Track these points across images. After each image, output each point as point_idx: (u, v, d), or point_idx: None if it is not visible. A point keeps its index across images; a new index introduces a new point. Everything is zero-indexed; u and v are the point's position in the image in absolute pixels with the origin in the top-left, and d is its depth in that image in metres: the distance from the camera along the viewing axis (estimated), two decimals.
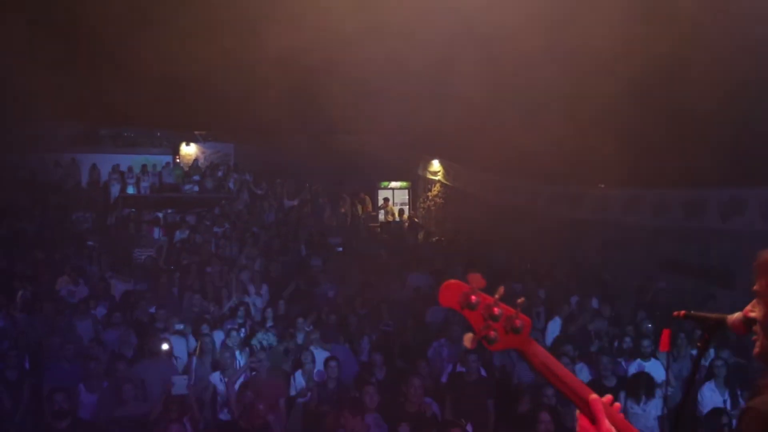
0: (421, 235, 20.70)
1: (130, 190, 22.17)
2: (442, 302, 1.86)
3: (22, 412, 8.08)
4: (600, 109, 14.91)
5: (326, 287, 13.86)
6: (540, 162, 16.97)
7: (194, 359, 8.99)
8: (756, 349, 1.84)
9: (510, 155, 17.47)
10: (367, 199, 23.21)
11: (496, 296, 1.85)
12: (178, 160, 25.91)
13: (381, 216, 23.10)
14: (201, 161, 25.83)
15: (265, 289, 13.84)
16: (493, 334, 1.83)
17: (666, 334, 2.32)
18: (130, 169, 23.08)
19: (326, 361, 8.66)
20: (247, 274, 14.32)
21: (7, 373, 8.32)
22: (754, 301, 1.90)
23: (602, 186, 16.51)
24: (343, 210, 21.71)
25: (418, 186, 23.86)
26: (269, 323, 11.38)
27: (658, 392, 8.13)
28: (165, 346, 9.03)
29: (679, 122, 13.52)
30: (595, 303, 12.39)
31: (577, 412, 1.90)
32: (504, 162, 18.30)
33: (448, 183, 22.09)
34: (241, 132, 25.63)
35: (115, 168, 22.85)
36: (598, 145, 14.86)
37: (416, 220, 22.73)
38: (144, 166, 23.44)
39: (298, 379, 9.15)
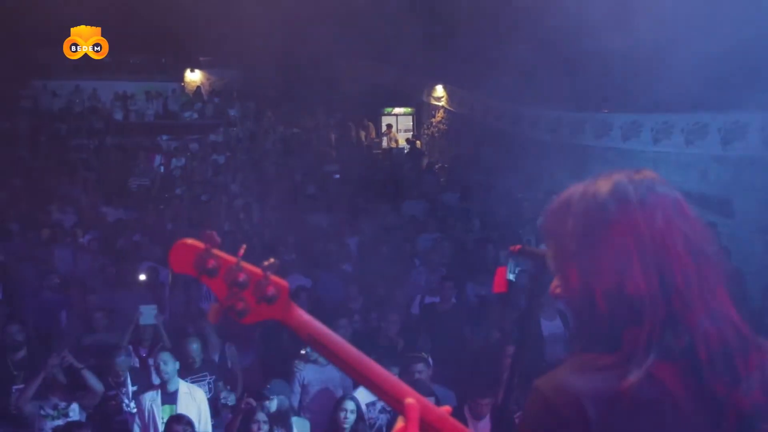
0: (424, 162, 20.48)
1: (132, 117, 22.03)
2: (174, 268, 1.50)
3: None
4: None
5: (319, 215, 13.73)
6: (545, 87, 16.54)
7: (167, 289, 8.92)
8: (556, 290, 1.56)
9: (514, 80, 17.05)
10: (371, 125, 22.91)
11: (238, 257, 1.50)
12: (182, 86, 25.66)
13: (384, 142, 22.83)
14: (206, 88, 25.55)
15: (257, 216, 13.75)
16: (241, 305, 1.49)
17: (500, 272, 2.02)
18: (132, 95, 22.90)
19: (296, 293, 8.52)
20: (240, 202, 14.23)
21: None
22: None
23: (606, 111, 16.05)
24: (345, 136, 21.47)
25: (422, 112, 23.44)
26: (257, 252, 11.31)
27: None
28: (142, 276, 8.96)
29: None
30: None
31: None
32: (507, 87, 17.86)
33: (451, 109, 21.65)
34: (245, 58, 25.30)
35: (118, 94, 22.66)
36: (600, 70, 14.43)
37: (419, 146, 22.40)
38: (147, 93, 23.25)
39: None
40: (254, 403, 5.98)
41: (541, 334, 7.48)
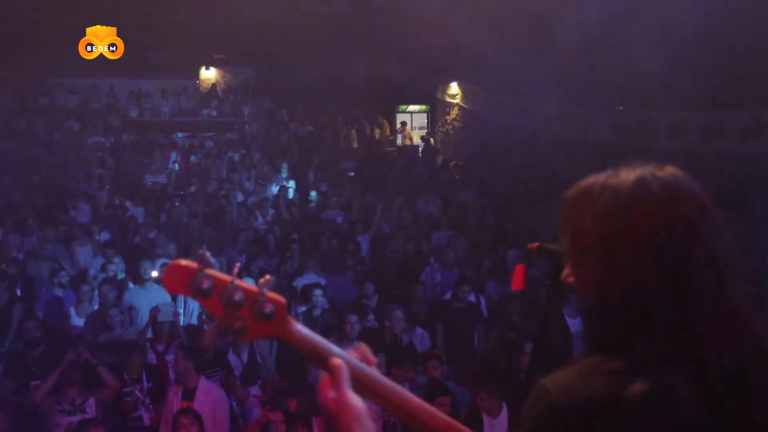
0: (439, 159, 20.44)
1: (148, 115, 22.10)
2: (169, 289, 1.50)
3: (12, 338, 8.15)
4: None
5: (334, 213, 13.75)
6: (555, 84, 16.44)
7: None
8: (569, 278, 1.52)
9: (526, 77, 16.95)
10: (386, 123, 22.89)
11: (232, 276, 1.47)
12: (198, 84, 25.70)
13: (399, 140, 22.82)
14: (221, 86, 25.57)
15: (271, 214, 13.78)
16: (238, 323, 1.47)
17: (520, 270, 2.00)
18: (147, 93, 22.98)
19: (311, 289, 8.54)
20: (254, 199, 14.26)
21: None
22: None
23: (620, 108, 15.97)
24: (360, 134, 21.47)
25: (436, 109, 23.39)
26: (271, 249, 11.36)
27: None
28: (154, 273, 9.01)
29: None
30: None
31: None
32: (520, 84, 17.78)
33: (466, 106, 21.59)
34: (260, 56, 25.27)
35: (133, 92, 22.76)
36: (613, 67, 14.34)
37: (433, 143, 22.35)
38: (163, 91, 23.32)
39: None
40: (273, 417, 5.99)
41: (569, 331, 7.41)
